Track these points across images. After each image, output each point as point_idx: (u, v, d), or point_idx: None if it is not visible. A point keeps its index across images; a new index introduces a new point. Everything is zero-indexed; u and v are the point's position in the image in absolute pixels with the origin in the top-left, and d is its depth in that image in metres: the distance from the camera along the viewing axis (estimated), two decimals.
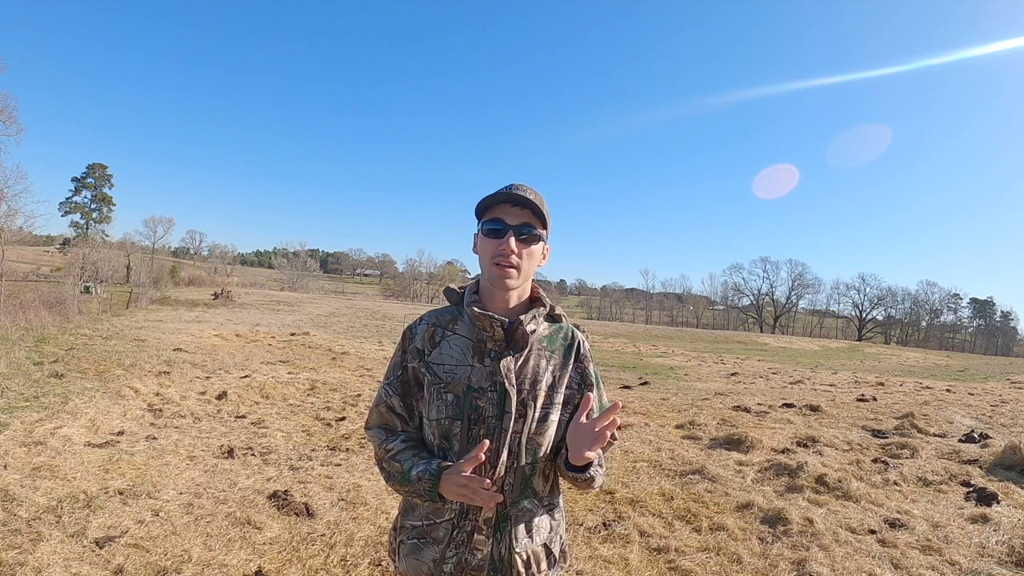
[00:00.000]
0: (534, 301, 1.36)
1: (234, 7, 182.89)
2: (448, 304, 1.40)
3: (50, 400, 6.06)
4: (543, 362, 1.31)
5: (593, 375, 1.39)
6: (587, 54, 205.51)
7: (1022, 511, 4.20)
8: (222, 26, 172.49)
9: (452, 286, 1.40)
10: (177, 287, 46.96)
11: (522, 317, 1.28)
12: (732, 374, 15.51)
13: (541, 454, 1.31)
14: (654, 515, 3.97)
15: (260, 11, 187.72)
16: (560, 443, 1.34)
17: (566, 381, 1.34)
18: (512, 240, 1.23)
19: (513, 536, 1.28)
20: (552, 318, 1.38)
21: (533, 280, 1.36)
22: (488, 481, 1.17)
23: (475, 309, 1.27)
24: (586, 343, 1.41)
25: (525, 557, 1.29)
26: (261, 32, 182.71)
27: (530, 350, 1.30)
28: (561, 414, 1.34)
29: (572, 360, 1.36)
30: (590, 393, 1.24)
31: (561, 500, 1.43)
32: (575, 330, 1.41)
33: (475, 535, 1.26)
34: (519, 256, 1.25)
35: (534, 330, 1.30)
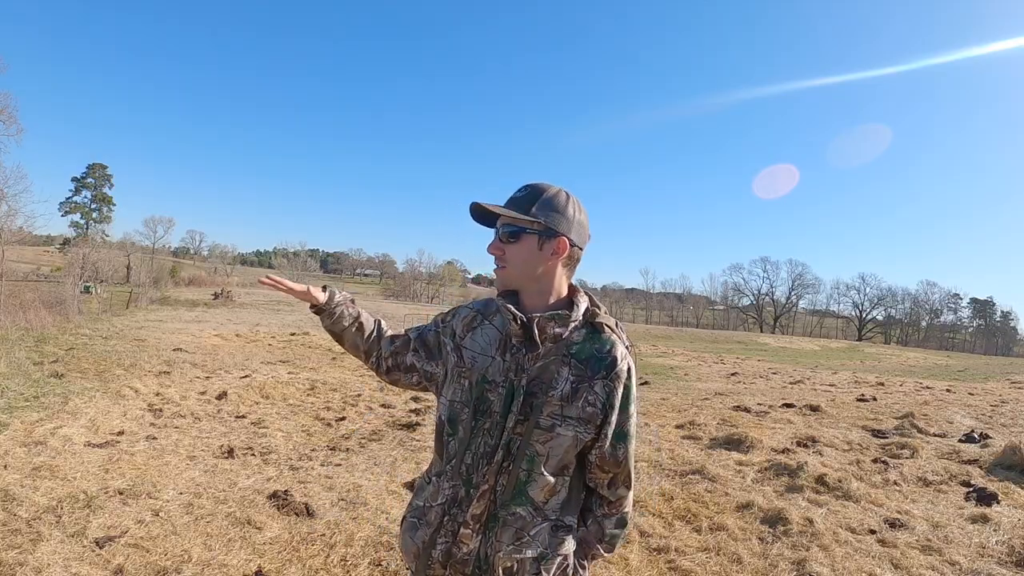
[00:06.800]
0: (570, 304, 1.29)
1: (235, 6, 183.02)
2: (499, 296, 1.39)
3: (50, 400, 6.06)
4: (564, 369, 1.23)
5: (620, 398, 1.26)
6: (586, 54, 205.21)
7: (1022, 511, 4.20)
8: (223, 25, 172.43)
9: None
10: (177, 287, 46.94)
11: (538, 316, 1.23)
12: (732, 374, 15.52)
13: (542, 465, 1.23)
14: (654, 515, 3.97)
15: (261, 10, 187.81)
16: (579, 464, 1.31)
17: (587, 396, 1.24)
18: (496, 242, 1.29)
19: (497, 539, 1.24)
20: (592, 326, 1.28)
21: (575, 284, 1.33)
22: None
23: (505, 302, 1.26)
24: (627, 360, 1.27)
25: (508, 565, 1.22)
26: (262, 31, 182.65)
27: (548, 353, 1.25)
28: (576, 430, 1.25)
29: (601, 375, 1.24)
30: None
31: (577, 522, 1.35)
32: (617, 344, 1.27)
33: (462, 529, 1.24)
34: (504, 253, 1.28)
35: (555, 332, 1.24)
